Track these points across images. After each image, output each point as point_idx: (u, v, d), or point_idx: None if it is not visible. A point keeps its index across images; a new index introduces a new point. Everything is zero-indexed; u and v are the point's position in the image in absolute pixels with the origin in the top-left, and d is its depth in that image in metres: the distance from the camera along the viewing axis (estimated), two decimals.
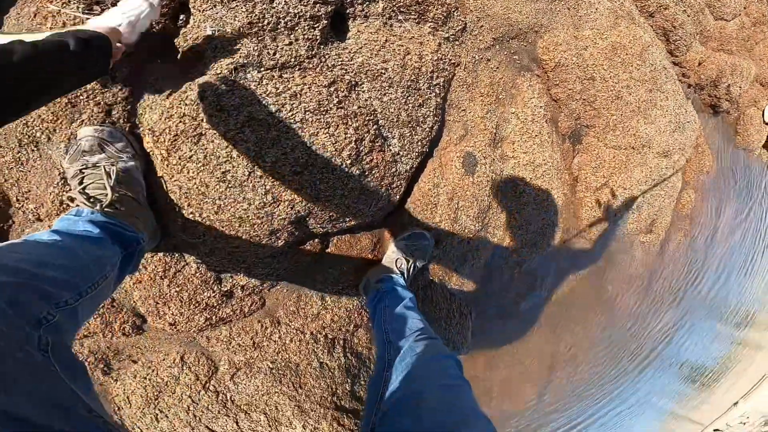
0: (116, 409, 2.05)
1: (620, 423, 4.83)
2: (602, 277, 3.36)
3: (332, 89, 1.71)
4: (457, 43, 2.10)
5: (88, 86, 1.49)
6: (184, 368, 2.01)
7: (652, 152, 2.99)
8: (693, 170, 3.82)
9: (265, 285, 2.00)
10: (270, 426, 2.11)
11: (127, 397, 2.01)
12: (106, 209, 1.39)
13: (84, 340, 1.90)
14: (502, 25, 2.31)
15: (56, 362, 0.80)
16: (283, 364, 2.07)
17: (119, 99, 1.53)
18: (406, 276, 2.04)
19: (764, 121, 4.84)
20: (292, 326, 2.08)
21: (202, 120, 1.56)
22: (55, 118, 1.51)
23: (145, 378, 2.00)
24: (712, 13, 4.02)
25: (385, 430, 1.06)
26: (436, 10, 1.97)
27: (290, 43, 1.63)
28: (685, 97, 3.27)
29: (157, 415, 2.04)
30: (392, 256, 2.05)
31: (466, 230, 2.27)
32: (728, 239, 4.80)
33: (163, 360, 2.00)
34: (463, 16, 2.12)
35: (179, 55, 1.56)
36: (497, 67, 2.31)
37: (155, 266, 1.79)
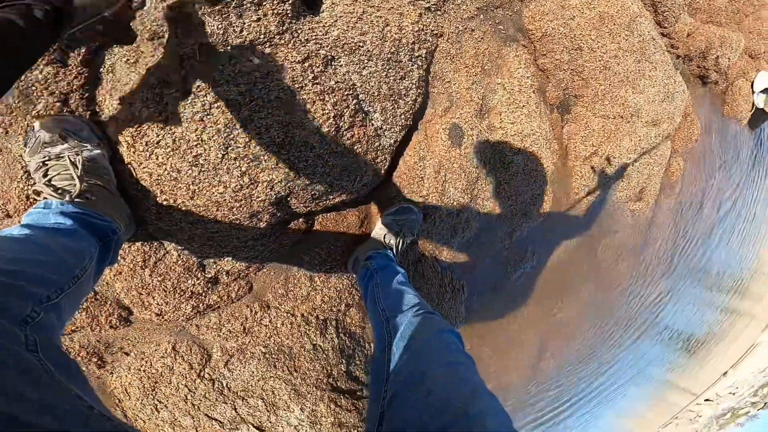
0: (117, 401, 1.94)
1: (615, 393, 4.76)
2: (593, 246, 3.24)
3: (306, 65, 1.51)
4: (438, 13, 1.88)
5: (40, 75, 1.28)
6: (177, 358, 1.86)
7: (641, 121, 2.82)
8: (682, 139, 3.63)
9: (250, 269, 1.82)
10: (268, 410, 1.97)
11: (125, 390, 1.88)
12: (76, 200, 1.23)
13: (73, 334, 1.75)
14: None
15: (48, 361, 0.72)
16: (276, 348, 1.91)
17: (75, 87, 1.32)
18: (395, 251, 1.86)
19: (752, 91, 4.73)
20: (282, 309, 1.91)
21: (167, 104, 1.36)
22: (9, 111, 1.31)
23: (140, 369, 1.86)
24: None
25: (393, 415, 0.95)
26: None
27: (258, 20, 1.42)
28: (673, 67, 3.09)
29: (156, 405, 1.91)
30: (380, 231, 1.86)
31: (455, 202, 2.09)
32: (717, 207, 4.67)
33: (155, 350, 1.85)
34: None
35: (137, 39, 1.34)
36: (482, 38, 2.09)
37: (134, 256, 1.61)
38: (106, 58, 1.34)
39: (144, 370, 1.85)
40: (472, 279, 2.52)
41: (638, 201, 3.25)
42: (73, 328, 1.72)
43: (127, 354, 1.85)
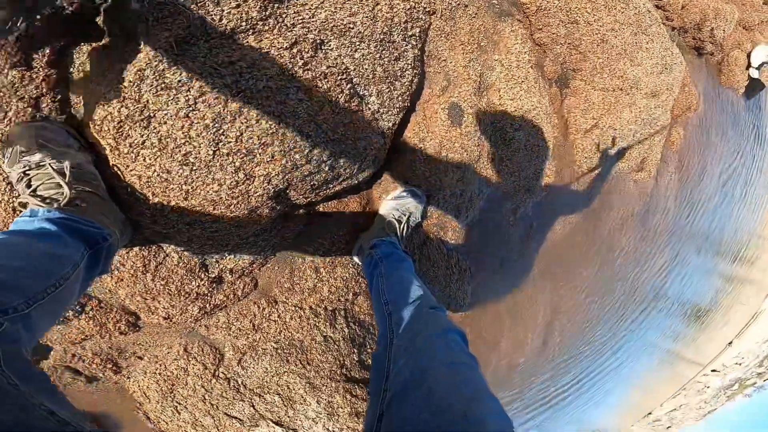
0: (138, 405, 1.84)
1: (623, 367, 4.68)
2: (597, 219, 3.13)
3: (295, 51, 1.35)
4: None
5: (6, 80, 1.13)
6: (190, 359, 1.75)
7: (640, 93, 2.71)
8: (681, 109, 3.49)
9: (254, 265, 1.69)
10: (285, 405, 1.85)
11: (144, 393, 1.79)
12: (65, 207, 1.09)
13: (84, 342, 1.64)
14: None
15: (13, 374, 0.66)
16: (287, 342, 1.79)
17: (45, 90, 1.17)
18: (400, 237, 1.73)
19: (749, 64, 4.69)
20: (290, 303, 1.79)
21: (148, 101, 1.20)
22: None
23: (156, 373, 1.76)
24: None
25: (393, 415, 0.88)
26: None
27: (237, 6, 1.26)
28: (670, 39, 2.96)
29: (176, 407, 1.82)
30: (383, 217, 1.73)
31: (458, 182, 1.94)
32: (718, 174, 4.58)
33: (168, 353, 1.74)
34: None
35: (104, 35, 1.19)
36: (476, 14, 1.92)
37: (133, 262, 1.48)
38: (75, 57, 1.19)
39: (159, 373, 1.75)
40: (478, 257, 2.39)
41: (640, 171, 3.15)
42: (83, 337, 1.60)
43: (141, 358, 1.75)
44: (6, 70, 1.11)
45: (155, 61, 1.18)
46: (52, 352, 1.65)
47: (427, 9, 1.67)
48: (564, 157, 2.59)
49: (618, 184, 3.06)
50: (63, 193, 1.09)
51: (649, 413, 6.59)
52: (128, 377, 1.77)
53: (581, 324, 3.68)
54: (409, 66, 1.63)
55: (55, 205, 1.08)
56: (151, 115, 1.21)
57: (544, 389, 3.88)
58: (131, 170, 1.26)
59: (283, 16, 1.34)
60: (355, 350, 1.90)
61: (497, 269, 2.58)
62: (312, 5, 1.39)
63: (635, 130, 2.78)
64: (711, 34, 3.91)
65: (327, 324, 1.83)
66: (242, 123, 1.29)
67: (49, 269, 0.94)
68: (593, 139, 2.62)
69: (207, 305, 1.64)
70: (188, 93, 1.22)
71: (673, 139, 3.52)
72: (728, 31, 4.16)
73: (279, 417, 1.87)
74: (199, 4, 1.20)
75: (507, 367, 3.15)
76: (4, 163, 1.14)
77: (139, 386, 1.78)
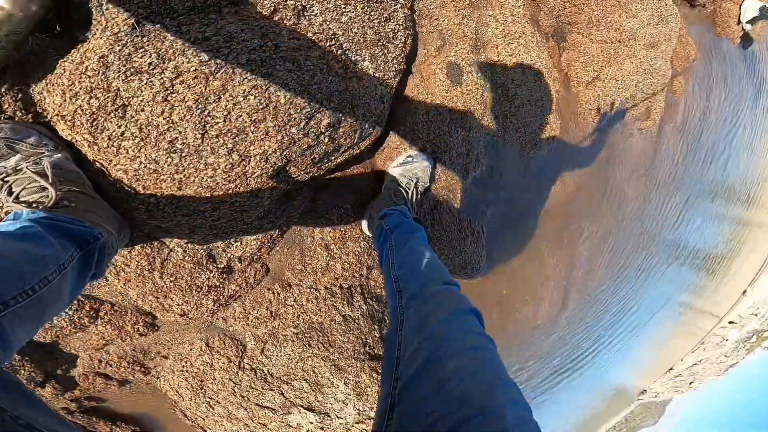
0: (173, 403, 1.76)
1: (641, 323, 4.50)
2: (606, 170, 2.98)
3: (276, 19, 1.16)
4: None
5: None
6: (214, 353, 1.63)
7: (638, 44, 2.55)
8: (679, 59, 3.28)
9: (263, 250, 1.53)
10: (313, 390, 1.73)
11: (177, 391, 1.68)
12: (51, 209, 0.96)
13: (108, 347, 1.53)
14: None
15: None
16: (306, 326, 1.65)
17: (4, 89, 1.00)
18: (410, 204, 1.55)
19: (740, 20, 4.50)
20: (304, 285, 1.64)
21: (119, 89, 1.03)
22: None
23: (183, 370, 1.64)
24: None
25: (405, 404, 0.76)
26: None
27: None
28: None
29: (209, 402, 1.70)
30: (391, 185, 1.56)
31: (464, 142, 1.76)
32: (721, 120, 4.39)
33: (191, 350, 1.62)
34: None
35: (59, 23, 1.01)
36: None
37: (138, 261, 1.33)
38: (31, 49, 1.01)
39: (186, 370, 1.63)
40: (490, 217, 2.24)
41: (645, 120, 2.97)
42: (104, 342, 1.48)
43: (166, 357, 1.63)
44: None
45: (118, 45, 1.01)
46: (78, 360, 1.54)
47: None
48: (569, 111, 2.45)
49: (624, 134, 2.92)
50: (48, 195, 0.95)
51: (670, 369, 6.40)
52: (158, 377, 1.66)
53: (596, 281, 3.53)
54: (401, 27, 1.44)
55: (41, 208, 0.94)
56: (125, 103, 1.04)
57: (562, 349, 3.78)
58: (115, 165, 1.09)
59: None
60: (376, 326, 1.76)
61: (510, 229, 2.44)
62: None
63: (637, 81, 2.59)
64: None
65: (344, 303, 1.69)
66: (228, 101, 1.11)
67: (26, 270, 0.78)
68: (596, 90, 2.45)
69: (221, 297, 1.49)
70: (162, 75, 1.04)
71: (675, 88, 3.33)
72: None
73: (309, 402, 1.73)
74: None
75: (525, 328, 3.03)
76: None
77: (170, 385, 1.66)
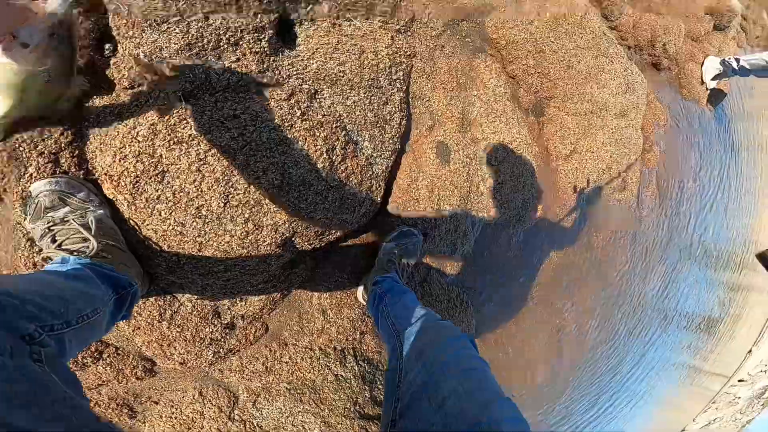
0: None
1: (646, 387, 4.64)
2: (590, 242, 3.19)
3: (293, 101, 1.46)
4: (408, 33, 1.85)
5: (25, 135, 1.21)
6: (206, 402, 1.79)
7: (609, 114, 2.83)
8: (650, 125, 3.62)
9: (264, 310, 1.75)
10: None
11: None
12: (92, 257, 1.17)
13: (100, 388, 1.69)
14: (449, 9, 2.09)
15: (53, 372, 0.71)
16: (299, 383, 1.84)
17: (63, 145, 1.25)
18: (400, 275, 1.79)
19: (702, 80, 4.82)
20: (300, 345, 1.85)
21: (161, 156, 1.29)
22: (0, 176, 1.25)
23: (171, 417, 1.78)
24: None
25: (406, 420, 0.90)
26: (383, 2, 1.71)
27: (237, 60, 1.37)
28: (628, 58, 3.11)
29: None
30: (384, 258, 1.80)
31: (452, 218, 2.04)
32: (699, 186, 4.66)
33: (183, 397, 1.78)
34: (410, 5, 1.87)
35: (116, 89, 1.27)
36: (452, 53, 2.06)
37: (150, 311, 1.54)
38: (90, 111, 1.27)
39: (175, 417, 1.78)
40: (479, 289, 2.46)
41: (623, 191, 3.24)
42: (99, 382, 1.65)
43: (156, 403, 1.78)
44: None
45: (167, 115, 1.28)
46: None
47: (408, 52, 1.80)
48: (550, 184, 2.70)
49: (604, 206, 3.13)
50: (90, 246, 1.17)
51: (683, 430, 6.55)
52: (144, 422, 1.79)
53: (590, 349, 3.67)
54: (397, 109, 1.74)
55: (83, 256, 1.15)
56: (165, 169, 1.30)
57: (561, 420, 3.83)
58: (147, 224, 1.34)
59: (280, 68, 1.45)
60: (367, 387, 1.95)
61: (498, 299, 2.63)
62: (304, 56, 1.51)
63: (612, 151, 2.87)
64: (664, 50, 4.04)
65: (337, 363, 1.88)
66: (250, 175, 1.38)
67: (80, 303, 0.99)
68: (574, 163, 2.73)
69: (221, 350, 1.69)
70: (198, 147, 1.31)
71: (649, 156, 3.60)
72: (679, 45, 4.29)
73: None
74: (202, 59, 1.31)
75: (518, 401, 3.09)
76: (26, 219, 1.21)
77: (154, 431, 1.80)
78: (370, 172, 1.68)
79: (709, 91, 4.94)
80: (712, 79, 4.86)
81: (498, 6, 2.30)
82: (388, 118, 1.71)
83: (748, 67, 4.73)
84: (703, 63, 4.84)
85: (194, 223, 1.37)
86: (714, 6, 5.14)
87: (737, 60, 4.72)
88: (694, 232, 4.59)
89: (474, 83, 2.17)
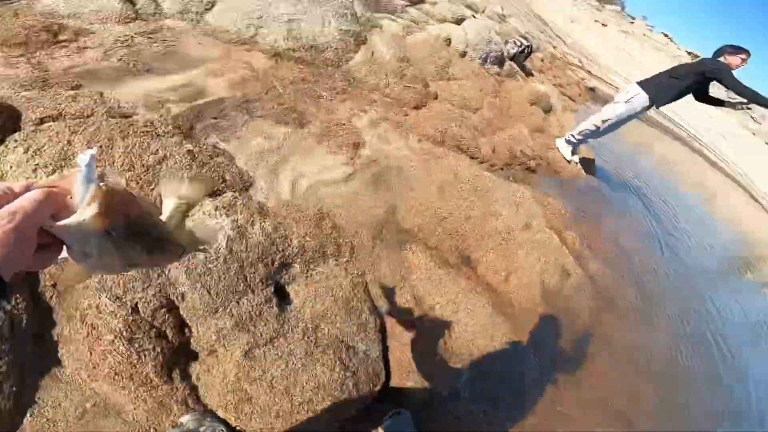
0: None
1: None
2: (565, 341, 3.36)
3: (307, 338, 2.34)
4: (354, 260, 2.82)
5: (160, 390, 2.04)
6: None
7: (516, 233, 3.63)
8: (555, 218, 4.26)
9: None
10: None
11: None
12: None
13: None
14: (369, 223, 3.06)
15: None
16: None
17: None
18: None
19: (566, 159, 5.64)
20: None
21: (246, 390, 2.14)
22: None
23: None
24: (468, 110, 4.92)
25: None
26: (328, 247, 2.71)
27: (265, 324, 2.26)
28: (506, 179, 3.95)
29: None
30: None
31: (438, 385, 2.66)
32: (638, 246, 5.18)
33: None
34: (344, 239, 2.85)
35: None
36: (387, 256, 3.00)
37: None
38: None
39: None
40: None
41: (569, 278, 3.68)
42: None
43: None
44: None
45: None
46: None
47: (358, 273, 2.76)
48: (506, 308, 3.18)
49: (563, 300, 3.49)
50: None
51: None
52: None
53: None
54: (369, 314, 2.63)
55: None
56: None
57: None
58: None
59: (288, 319, 2.37)
60: None
61: None
62: (298, 307, 2.45)
63: (538, 257, 3.52)
64: (524, 154, 4.85)
65: None
66: (288, 383, 2.22)
67: None
68: (515, 282, 3.35)
69: None
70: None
71: (570, 243, 4.05)
72: (531, 144, 5.13)
73: None
74: (246, 330, 2.23)
75: None
76: None
77: None
78: (369, 360, 2.49)
79: (578, 164, 5.80)
80: (572, 155, 5.66)
81: (398, 199, 3.23)
82: (365, 322, 2.59)
83: (581, 137, 5.54)
84: (557, 146, 5.71)
85: None
86: (532, 98, 6.34)
87: (573, 136, 5.56)
88: (664, 289, 4.78)
89: (411, 270, 3.03)
